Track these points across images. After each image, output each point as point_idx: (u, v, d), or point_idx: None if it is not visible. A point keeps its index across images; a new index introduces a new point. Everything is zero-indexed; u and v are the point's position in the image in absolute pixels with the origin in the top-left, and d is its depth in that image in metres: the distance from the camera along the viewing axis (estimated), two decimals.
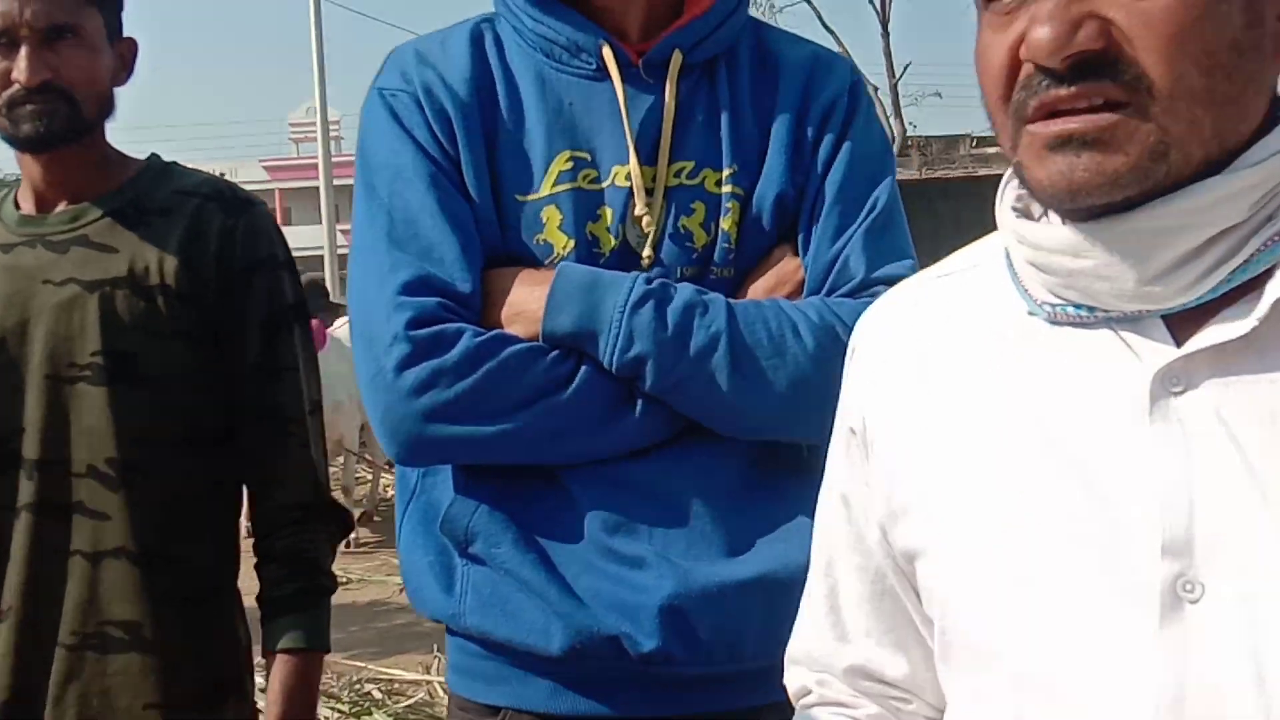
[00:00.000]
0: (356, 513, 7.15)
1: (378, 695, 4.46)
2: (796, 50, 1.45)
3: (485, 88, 1.37)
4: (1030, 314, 0.86)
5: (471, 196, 1.34)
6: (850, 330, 1.30)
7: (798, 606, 1.05)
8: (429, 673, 4.63)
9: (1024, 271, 0.86)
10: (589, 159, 1.36)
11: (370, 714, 4.28)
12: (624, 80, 1.36)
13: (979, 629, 0.85)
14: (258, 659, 1.74)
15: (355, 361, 1.34)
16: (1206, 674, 0.74)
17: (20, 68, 1.57)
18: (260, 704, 1.71)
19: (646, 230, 1.35)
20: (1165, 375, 0.78)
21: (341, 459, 7.17)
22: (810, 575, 1.05)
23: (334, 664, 4.66)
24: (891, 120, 23.10)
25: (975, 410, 0.87)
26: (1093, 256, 0.79)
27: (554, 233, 1.35)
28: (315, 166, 18.95)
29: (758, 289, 1.37)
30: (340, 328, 6.80)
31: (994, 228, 0.92)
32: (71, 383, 1.61)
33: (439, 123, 1.35)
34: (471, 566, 1.34)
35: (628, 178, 1.35)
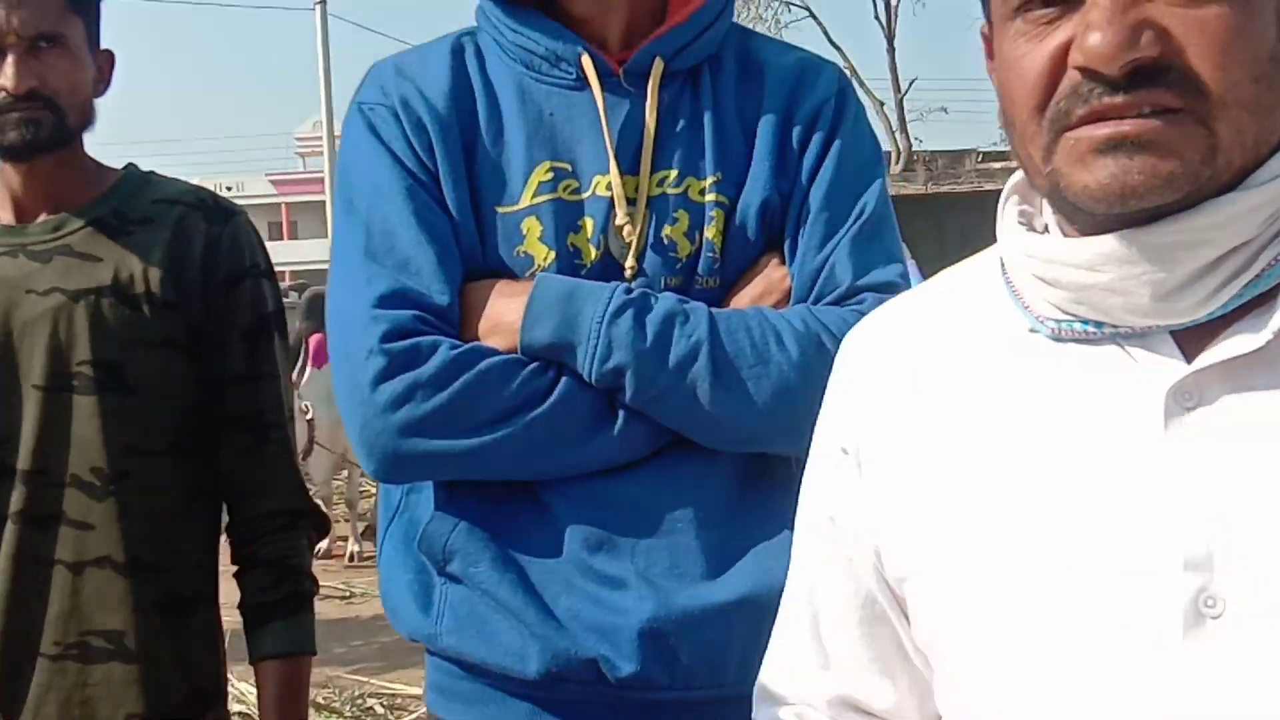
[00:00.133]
0: (360, 526, 7.14)
1: (380, 710, 4.45)
2: (783, 57, 1.43)
3: (464, 100, 1.36)
4: (1031, 331, 0.85)
5: (450, 209, 1.33)
6: (836, 339, 1.25)
7: None
8: None
9: (1026, 287, 0.85)
10: (570, 169, 1.35)
11: None
12: (604, 89, 1.35)
13: (988, 650, 0.83)
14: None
15: (334, 376, 1.33)
16: (1230, 689, 0.74)
17: (8, 75, 1.57)
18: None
19: (628, 240, 1.33)
20: (1178, 390, 0.78)
21: (345, 472, 7.16)
22: (787, 602, 1.01)
23: (336, 678, 4.66)
24: (897, 136, 23.12)
25: (976, 429, 0.86)
26: (1108, 270, 0.79)
27: (534, 244, 1.33)
28: (321, 180, 19.03)
29: (743, 298, 1.35)
30: None
31: None
32: (61, 392, 1.61)
33: (416, 136, 1.34)
34: (449, 586, 1.32)
35: (608, 187, 1.33)
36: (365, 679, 4.72)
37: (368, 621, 5.69)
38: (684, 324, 1.28)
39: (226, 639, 1.74)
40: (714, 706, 1.29)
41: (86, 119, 1.67)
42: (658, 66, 1.36)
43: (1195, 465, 0.77)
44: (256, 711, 1.72)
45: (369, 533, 7.52)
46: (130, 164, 1.77)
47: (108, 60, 1.71)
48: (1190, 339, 0.80)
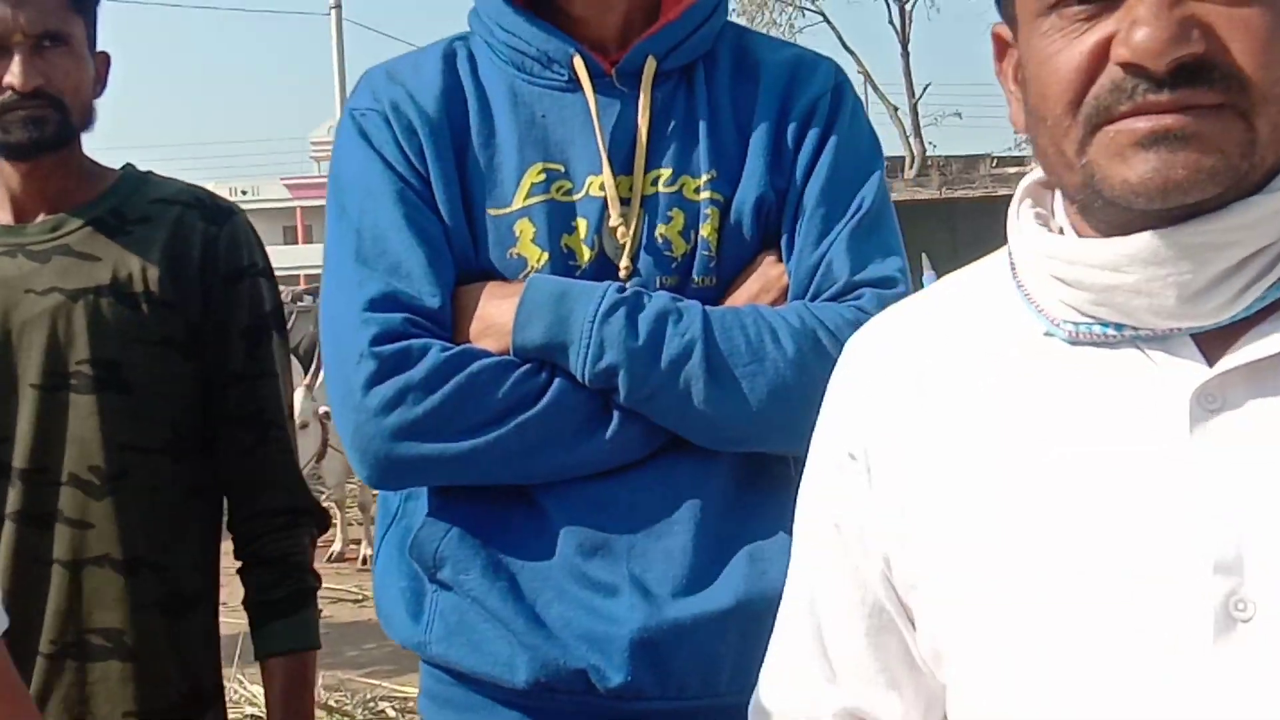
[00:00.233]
0: (374, 530, 7.13)
1: (391, 713, 4.45)
2: (778, 53, 1.41)
3: (456, 103, 1.36)
4: (1046, 334, 0.84)
5: (442, 212, 1.32)
6: (833, 335, 1.26)
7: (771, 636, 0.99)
8: None
9: (1043, 289, 0.85)
10: (562, 170, 1.34)
11: None
12: (596, 90, 1.34)
13: (1004, 657, 0.82)
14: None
15: (327, 382, 1.33)
16: (1263, 693, 0.73)
17: (15, 73, 1.58)
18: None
19: (622, 241, 1.32)
20: (1202, 393, 0.78)
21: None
22: (787, 611, 0.99)
23: (349, 681, 4.66)
24: (911, 140, 23.09)
25: (991, 433, 0.85)
26: (1134, 271, 0.78)
27: (527, 246, 1.32)
28: None
29: (739, 296, 1.34)
30: None
31: None
32: (59, 391, 1.61)
33: (407, 139, 1.33)
34: (440, 593, 1.31)
35: (602, 188, 1.32)
36: (377, 682, 4.73)
37: (379, 625, 5.69)
38: (677, 322, 1.26)
39: (239, 642, 1.74)
40: (706, 716, 1.28)
41: (88, 119, 1.67)
42: (650, 65, 1.35)
43: (1221, 469, 0.76)
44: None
45: None
46: (128, 164, 1.77)
47: (104, 62, 1.72)
48: (1210, 342, 0.79)
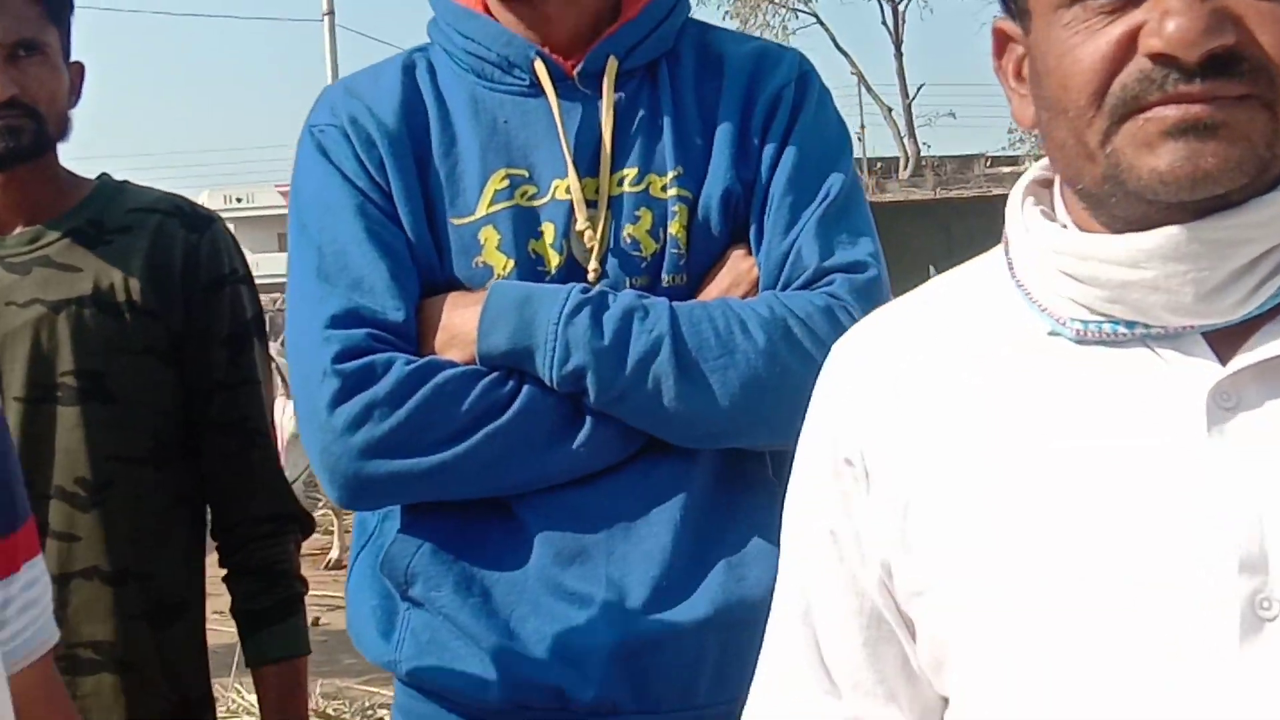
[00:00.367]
0: None
1: None
2: (742, 47, 1.40)
3: (415, 114, 1.34)
4: (1051, 334, 0.83)
5: (404, 225, 1.30)
6: (804, 324, 1.25)
7: (753, 643, 0.97)
8: None
9: (1048, 288, 0.84)
10: (527, 175, 1.32)
11: None
12: (559, 93, 1.32)
13: (1018, 662, 0.80)
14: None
15: (294, 402, 1.31)
16: None
17: None
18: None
19: (589, 244, 1.30)
20: (1217, 392, 0.77)
21: None
22: (779, 623, 0.96)
23: (346, 689, 4.65)
24: (906, 141, 23.13)
25: (997, 435, 0.83)
26: (1151, 267, 0.78)
27: (493, 254, 1.31)
28: None
29: (710, 292, 1.32)
30: None
31: None
32: (44, 404, 1.61)
33: (367, 153, 1.32)
34: (412, 611, 1.29)
35: (568, 191, 1.31)
36: (375, 690, 4.72)
37: None
38: (643, 319, 1.24)
39: (236, 651, 1.74)
40: None
41: (64, 129, 1.67)
42: (612, 65, 1.33)
43: (1241, 467, 0.76)
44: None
45: None
46: (103, 174, 1.77)
47: (78, 72, 1.71)
48: (1220, 341, 0.79)
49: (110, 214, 1.68)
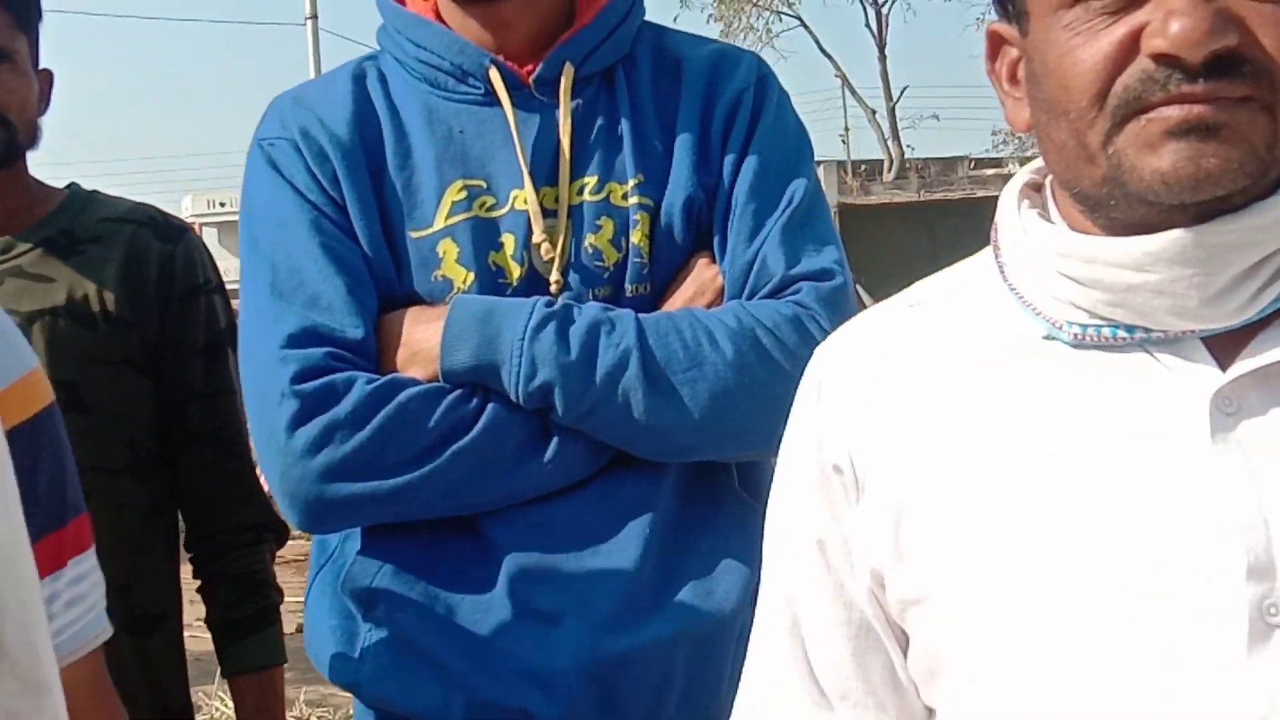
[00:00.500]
0: None
1: None
2: (699, 50, 1.38)
3: (368, 125, 1.31)
4: (1047, 337, 0.83)
5: (360, 239, 1.28)
6: (772, 333, 1.23)
7: (720, 661, 0.96)
8: None
9: (1044, 291, 0.83)
10: (484, 186, 1.30)
11: None
12: (515, 102, 1.30)
13: (1018, 670, 0.79)
14: None
15: (250, 424, 1.29)
16: None
17: None
18: None
19: (548, 256, 1.27)
20: (1219, 397, 0.77)
21: None
22: (763, 636, 0.94)
23: (331, 696, 4.63)
24: (890, 143, 23.19)
25: (993, 441, 0.82)
26: (1157, 271, 0.77)
27: (452, 267, 1.28)
28: None
29: (675, 301, 1.30)
30: None
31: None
32: None
33: (319, 166, 1.29)
34: (373, 632, 1.27)
35: (525, 202, 1.29)
36: None
37: None
38: (610, 332, 1.22)
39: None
40: None
41: (34, 137, 1.66)
42: (568, 72, 1.31)
43: (1246, 473, 0.76)
44: None
45: None
46: (73, 183, 1.76)
47: (47, 80, 1.70)
48: (1218, 346, 0.78)
49: (82, 224, 1.68)
